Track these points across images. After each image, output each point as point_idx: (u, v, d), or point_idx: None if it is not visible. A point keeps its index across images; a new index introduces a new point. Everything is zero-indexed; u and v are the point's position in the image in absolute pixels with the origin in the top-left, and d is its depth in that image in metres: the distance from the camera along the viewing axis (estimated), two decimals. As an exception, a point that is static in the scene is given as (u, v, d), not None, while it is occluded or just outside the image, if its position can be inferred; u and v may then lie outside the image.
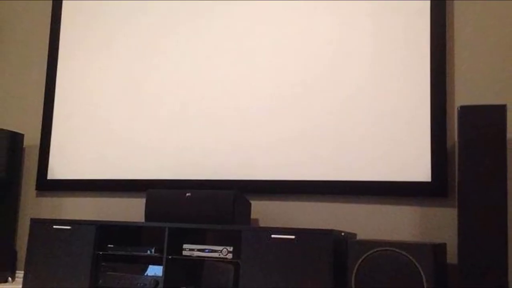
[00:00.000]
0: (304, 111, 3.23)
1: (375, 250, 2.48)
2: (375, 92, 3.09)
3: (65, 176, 3.85)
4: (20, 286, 3.41)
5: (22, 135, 3.96)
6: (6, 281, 3.75)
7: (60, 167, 3.88)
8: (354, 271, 2.50)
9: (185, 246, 2.98)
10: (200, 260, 3.15)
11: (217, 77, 3.48)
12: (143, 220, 3.56)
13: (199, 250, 2.94)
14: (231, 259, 2.87)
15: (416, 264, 2.39)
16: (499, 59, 2.89)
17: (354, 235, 3.00)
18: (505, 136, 2.44)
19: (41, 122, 4.03)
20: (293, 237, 2.71)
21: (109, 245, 3.15)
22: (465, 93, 2.93)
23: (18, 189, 3.94)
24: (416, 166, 2.94)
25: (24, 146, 4.04)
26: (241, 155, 3.35)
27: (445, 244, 2.76)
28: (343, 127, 3.13)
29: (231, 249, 2.88)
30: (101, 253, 3.15)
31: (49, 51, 4.06)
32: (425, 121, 2.96)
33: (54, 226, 3.24)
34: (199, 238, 3.22)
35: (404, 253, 2.42)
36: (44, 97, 4.03)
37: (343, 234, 2.78)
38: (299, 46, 3.30)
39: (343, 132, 3.12)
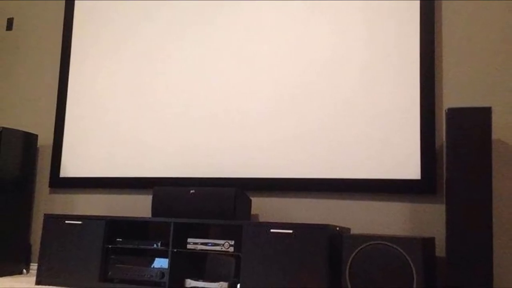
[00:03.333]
0: (302, 113, 3.23)
1: (368, 243, 2.48)
2: (368, 95, 3.09)
3: (76, 174, 3.85)
4: (34, 277, 3.41)
5: (36, 136, 3.96)
6: (21, 273, 3.75)
7: (72, 166, 3.88)
8: (348, 263, 2.50)
9: (189, 240, 2.98)
10: (204, 253, 3.15)
11: (219, 81, 3.48)
12: (149, 215, 3.56)
13: (202, 243, 2.94)
14: (233, 252, 2.87)
15: (407, 257, 2.39)
16: (484, 64, 2.89)
17: (348, 229, 2.99)
18: (490, 136, 2.44)
19: (54, 123, 4.03)
20: (291, 231, 2.71)
21: (118, 239, 3.15)
22: (453, 96, 2.93)
23: (32, 187, 3.94)
24: (407, 165, 2.94)
25: (38, 146, 4.04)
26: (242, 155, 3.34)
27: (434, 238, 2.76)
28: (338, 128, 3.13)
29: (232, 242, 2.88)
30: (110, 246, 3.15)
31: (61, 56, 4.06)
32: (415, 122, 2.96)
33: (66, 221, 3.24)
34: (202, 232, 3.22)
35: (395, 246, 2.42)
36: (56, 100, 4.02)
37: (338, 228, 2.77)
38: (297, 52, 3.29)
39: (338, 133, 3.12)
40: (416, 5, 3.04)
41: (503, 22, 2.88)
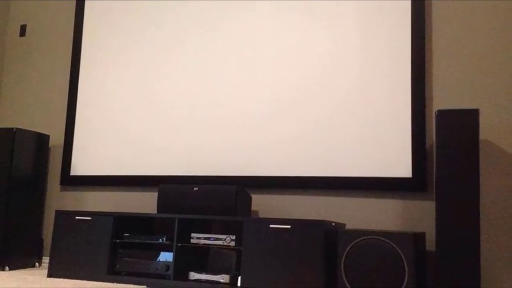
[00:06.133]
0: (300, 115, 3.23)
1: (362, 238, 2.48)
2: (362, 98, 3.09)
3: (86, 172, 3.85)
4: (46, 270, 3.41)
5: (47, 136, 3.96)
6: (33, 266, 3.75)
7: (82, 165, 3.88)
8: (343, 257, 2.50)
9: (193, 235, 2.98)
10: (206, 247, 3.15)
11: (222, 84, 3.48)
12: (155, 211, 3.56)
13: (205, 238, 2.94)
14: (234, 246, 2.88)
15: (399, 251, 2.39)
16: (472, 68, 2.89)
17: (344, 225, 3.00)
18: (477, 137, 2.44)
19: (64, 124, 4.03)
20: (289, 227, 2.71)
21: (125, 234, 3.15)
22: (442, 98, 2.93)
23: (44, 184, 3.94)
24: (399, 164, 2.94)
25: (49, 146, 4.04)
26: (243, 154, 3.34)
27: (424, 233, 2.76)
28: (334, 129, 3.13)
29: (233, 237, 2.88)
30: (118, 241, 3.15)
31: (71, 61, 4.06)
32: (407, 123, 2.96)
33: (76, 217, 3.25)
34: (205, 227, 3.22)
35: (388, 241, 2.42)
36: (67, 102, 4.02)
37: (333, 224, 2.78)
38: (295, 57, 3.29)
39: (334, 133, 3.12)
40: (408, 12, 3.04)
41: (490, 28, 2.88)
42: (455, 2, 2.97)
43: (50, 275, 3.21)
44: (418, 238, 2.51)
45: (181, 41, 3.66)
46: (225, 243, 2.89)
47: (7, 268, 3.49)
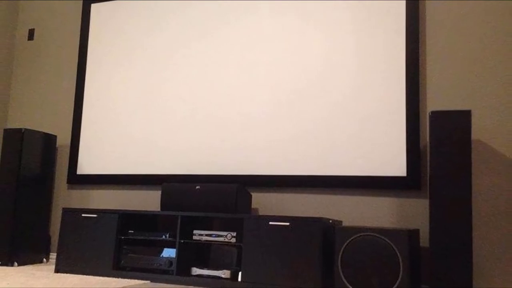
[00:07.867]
0: (298, 116, 3.23)
1: (358, 235, 2.48)
2: (358, 99, 3.09)
3: (92, 171, 3.86)
4: (54, 266, 3.42)
5: (55, 136, 3.97)
6: (41, 262, 3.76)
7: (88, 164, 3.88)
8: (340, 253, 2.50)
9: (195, 231, 2.99)
10: (208, 244, 3.15)
11: (222, 86, 3.49)
12: (159, 209, 3.57)
13: (207, 235, 2.95)
14: (235, 243, 2.88)
15: (394, 247, 2.40)
16: (465, 71, 2.90)
17: (340, 222, 3.00)
18: (470, 137, 2.45)
19: (71, 125, 4.04)
20: (288, 224, 2.71)
21: (130, 231, 3.16)
22: (436, 100, 2.94)
23: (52, 183, 3.95)
24: (394, 163, 2.95)
25: (57, 146, 4.05)
26: (243, 154, 3.35)
27: (418, 230, 2.76)
28: (331, 129, 3.14)
29: (234, 234, 2.89)
30: (123, 237, 3.15)
31: (78, 64, 4.07)
32: (401, 124, 2.96)
33: (83, 215, 3.25)
34: (207, 225, 3.22)
35: (383, 237, 2.42)
36: (74, 104, 4.03)
37: (331, 221, 2.78)
38: (293, 59, 3.30)
39: (331, 133, 3.13)
40: (402, 17, 3.04)
41: (482, 32, 2.89)
42: (448, 7, 2.98)
43: (57, 270, 3.22)
44: (413, 234, 2.52)
45: (184, 45, 3.67)
46: (226, 240, 2.89)
47: (16, 263, 3.50)
